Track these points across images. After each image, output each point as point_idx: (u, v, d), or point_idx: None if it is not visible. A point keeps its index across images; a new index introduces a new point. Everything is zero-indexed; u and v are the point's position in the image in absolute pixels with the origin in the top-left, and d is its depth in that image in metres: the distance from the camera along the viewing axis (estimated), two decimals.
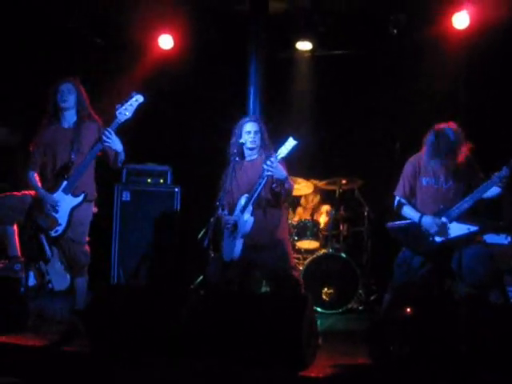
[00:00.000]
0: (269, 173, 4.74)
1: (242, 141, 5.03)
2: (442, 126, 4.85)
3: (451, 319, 3.66)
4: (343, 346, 4.57)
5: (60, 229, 4.92)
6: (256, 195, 4.82)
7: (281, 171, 4.80)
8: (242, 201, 4.92)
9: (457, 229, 4.73)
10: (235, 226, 4.89)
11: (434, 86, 7.25)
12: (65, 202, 4.93)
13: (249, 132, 5.05)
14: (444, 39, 7.08)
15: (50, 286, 5.04)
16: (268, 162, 4.71)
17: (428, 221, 4.77)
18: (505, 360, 3.42)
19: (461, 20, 6.88)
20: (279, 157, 4.73)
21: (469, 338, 3.51)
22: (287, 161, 4.95)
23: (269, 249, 4.90)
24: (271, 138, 5.19)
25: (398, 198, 5.04)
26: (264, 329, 3.70)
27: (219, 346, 3.76)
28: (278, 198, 5.01)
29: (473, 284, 4.66)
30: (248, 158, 5.12)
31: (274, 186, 4.90)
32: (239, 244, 4.87)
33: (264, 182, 4.79)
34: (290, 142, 4.73)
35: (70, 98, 5.08)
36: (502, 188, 4.67)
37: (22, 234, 5.16)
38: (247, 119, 5.17)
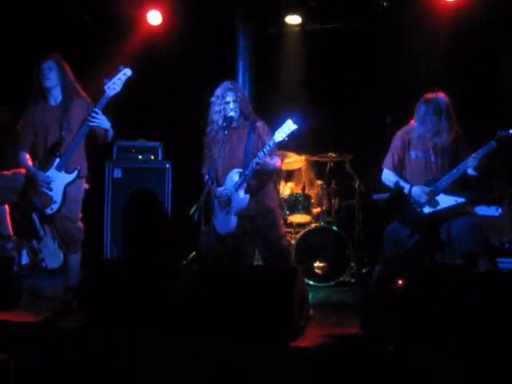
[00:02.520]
0: (257, 167, 4.74)
1: (231, 114, 4.96)
2: (433, 94, 4.90)
3: (441, 290, 3.69)
4: (335, 318, 4.62)
5: (55, 206, 4.89)
6: (249, 173, 4.79)
7: (268, 164, 4.83)
8: (235, 177, 4.88)
9: (445, 200, 4.77)
10: (229, 200, 4.89)
11: (424, 60, 7.24)
12: (58, 179, 4.89)
13: (227, 102, 4.97)
14: (434, 12, 7.05)
15: (43, 264, 5.06)
16: (256, 159, 4.70)
17: (417, 191, 4.81)
18: (494, 330, 3.46)
19: None
20: (276, 140, 4.67)
21: (458, 308, 3.54)
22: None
23: (259, 218, 4.91)
24: (260, 114, 5.16)
25: (386, 170, 5.07)
26: (255, 300, 3.74)
27: (211, 319, 3.79)
28: (268, 176, 5.04)
29: (462, 254, 4.71)
30: (231, 127, 4.99)
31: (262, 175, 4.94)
32: (234, 219, 4.88)
33: (254, 167, 4.75)
34: (289, 126, 4.62)
35: (51, 75, 4.99)
36: (477, 173, 4.72)
37: (13, 213, 5.17)
38: (223, 90, 5.02)
